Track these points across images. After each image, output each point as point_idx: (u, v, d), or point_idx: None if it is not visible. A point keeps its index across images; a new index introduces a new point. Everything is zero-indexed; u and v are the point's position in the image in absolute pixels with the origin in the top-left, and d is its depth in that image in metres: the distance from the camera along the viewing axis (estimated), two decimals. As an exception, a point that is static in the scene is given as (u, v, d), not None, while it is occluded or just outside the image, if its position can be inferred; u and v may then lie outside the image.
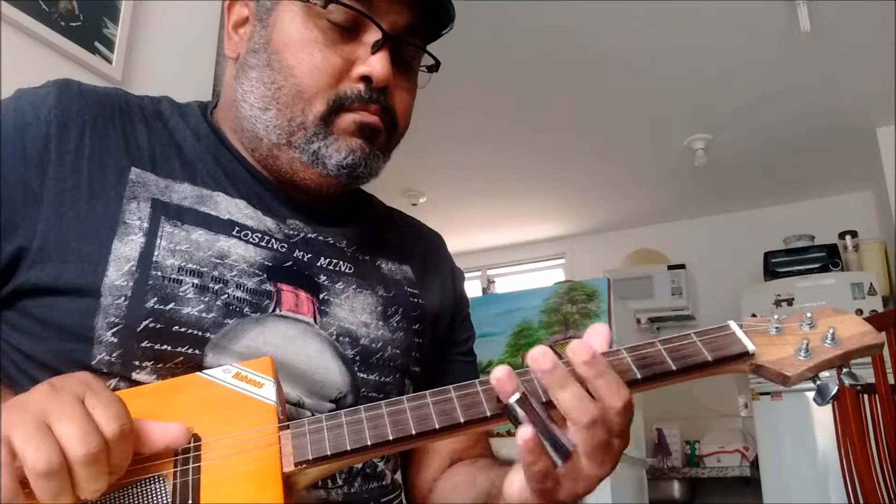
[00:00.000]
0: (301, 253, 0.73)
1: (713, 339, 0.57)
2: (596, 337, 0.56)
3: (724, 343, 0.57)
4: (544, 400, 0.54)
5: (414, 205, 4.21)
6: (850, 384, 0.56)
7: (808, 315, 0.59)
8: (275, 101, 0.70)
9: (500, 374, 0.53)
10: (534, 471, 0.52)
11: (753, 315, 0.60)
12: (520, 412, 0.52)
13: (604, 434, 0.53)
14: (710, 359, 0.56)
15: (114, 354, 0.60)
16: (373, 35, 0.70)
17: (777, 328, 0.59)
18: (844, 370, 0.57)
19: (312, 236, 0.75)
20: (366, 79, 0.69)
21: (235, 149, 0.75)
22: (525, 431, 0.51)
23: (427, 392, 0.56)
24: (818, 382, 0.56)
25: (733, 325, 0.59)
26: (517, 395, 0.52)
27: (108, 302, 0.61)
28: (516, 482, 0.56)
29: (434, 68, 0.78)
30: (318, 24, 0.69)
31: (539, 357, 0.53)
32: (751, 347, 0.56)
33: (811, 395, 0.58)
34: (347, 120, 0.70)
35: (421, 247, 0.88)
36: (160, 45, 1.59)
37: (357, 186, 0.77)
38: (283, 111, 0.70)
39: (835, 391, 0.55)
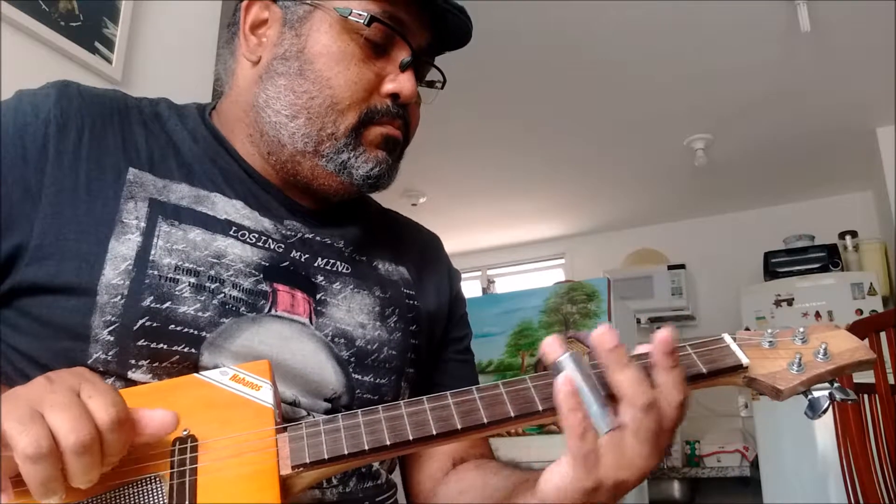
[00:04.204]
0: (298, 253, 0.73)
1: (708, 351, 0.58)
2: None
3: (718, 356, 0.58)
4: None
5: (414, 205, 4.21)
6: (840, 399, 0.56)
7: (801, 330, 0.60)
8: (305, 110, 0.71)
9: (549, 339, 0.54)
10: (571, 423, 0.51)
11: (748, 330, 0.61)
12: (570, 365, 0.52)
13: (655, 421, 0.52)
14: (704, 371, 0.57)
15: (110, 353, 0.61)
16: (401, 53, 0.73)
17: (770, 342, 0.59)
18: (836, 385, 0.57)
19: (309, 237, 0.75)
20: (393, 95, 0.73)
21: (235, 150, 0.75)
22: (565, 376, 0.51)
23: (424, 398, 0.56)
24: (810, 397, 0.57)
25: (727, 338, 0.59)
26: (569, 353, 0.52)
27: (104, 300, 0.61)
28: (556, 472, 0.54)
29: (441, 85, 0.80)
30: (355, 39, 0.71)
31: (604, 334, 0.53)
32: (745, 360, 0.57)
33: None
34: (375, 132, 0.73)
35: (418, 248, 0.89)
36: (160, 45, 1.59)
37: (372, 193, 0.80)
38: (314, 120, 0.71)
39: (826, 405, 0.56)
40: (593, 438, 0.52)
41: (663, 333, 0.53)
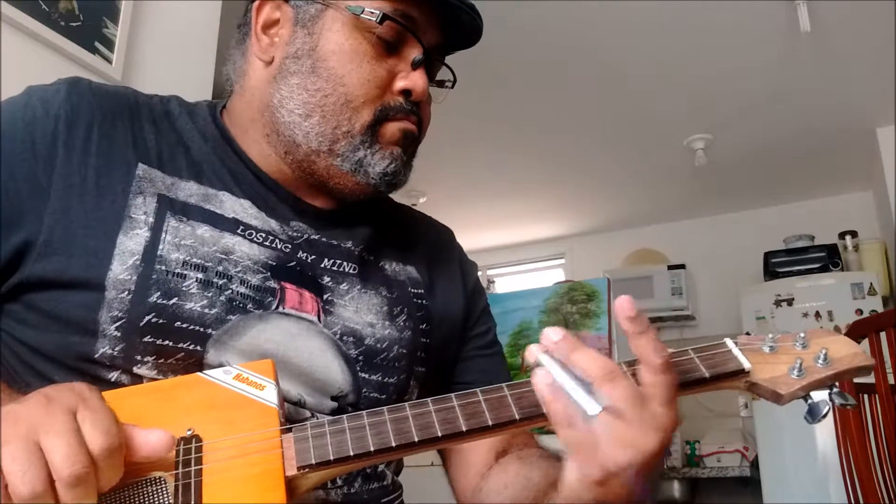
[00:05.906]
0: (305, 254, 0.73)
1: (710, 356, 0.59)
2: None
3: (721, 360, 0.59)
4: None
5: (414, 205, 4.18)
6: (840, 404, 0.57)
7: (802, 335, 0.61)
8: (319, 109, 0.71)
9: (529, 347, 0.54)
10: (556, 412, 0.51)
11: (748, 335, 0.62)
12: (546, 360, 0.52)
13: (631, 388, 0.51)
14: (707, 375, 0.57)
15: (116, 348, 0.61)
16: (413, 51, 0.73)
17: (771, 347, 0.60)
18: (835, 390, 0.58)
19: (315, 238, 0.75)
20: (405, 92, 0.73)
21: (243, 151, 0.75)
22: (542, 370, 0.51)
23: (429, 399, 0.57)
24: (809, 402, 0.58)
25: (729, 342, 0.60)
26: (544, 351, 0.53)
27: (111, 296, 0.61)
28: (566, 471, 0.53)
29: (451, 84, 0.80)
30: (367, 37, 0.72)
31: (549, 333, 0.54)
32: (747, 365, 0.58)
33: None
34: (393, 128, 0.73)
35: (428, 245, 0.88)
36: (160, 45, 1.59)
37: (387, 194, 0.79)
38: (328, 119, 0.71)
39: (826, 410, 0.57)
40: (581, 425, 0.51)
41: (623, 299, 0.53)
